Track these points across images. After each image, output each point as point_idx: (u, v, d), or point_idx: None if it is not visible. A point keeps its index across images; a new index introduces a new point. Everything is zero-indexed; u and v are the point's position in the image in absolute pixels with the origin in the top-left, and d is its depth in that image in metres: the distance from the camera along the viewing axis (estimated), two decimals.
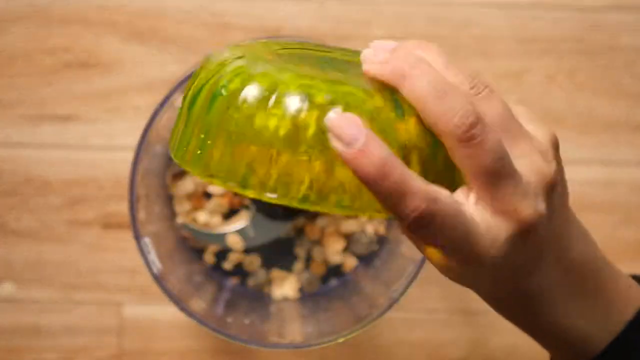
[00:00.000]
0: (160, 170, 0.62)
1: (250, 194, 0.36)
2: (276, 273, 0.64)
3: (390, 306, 0.55)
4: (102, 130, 0.67)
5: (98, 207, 0.67)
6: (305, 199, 0.35)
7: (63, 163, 0.67)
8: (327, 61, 0.41)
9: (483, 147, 0.33)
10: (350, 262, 0.63)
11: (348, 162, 0.33)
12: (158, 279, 0.55)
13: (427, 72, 0.34)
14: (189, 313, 0.54)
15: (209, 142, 0.38)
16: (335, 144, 0.33)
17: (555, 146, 0.37)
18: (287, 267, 0.64)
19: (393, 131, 0.34)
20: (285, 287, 0.64)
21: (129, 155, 0.67)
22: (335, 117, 0.33)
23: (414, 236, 0.35)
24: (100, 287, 0.67)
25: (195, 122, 0.38)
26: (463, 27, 0.68)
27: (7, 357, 0.67)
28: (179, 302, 0.54)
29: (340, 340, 0.55)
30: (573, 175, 0.68)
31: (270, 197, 0.36)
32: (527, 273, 0.38)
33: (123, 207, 0.67)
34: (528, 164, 0.35)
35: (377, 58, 0.36)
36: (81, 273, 0.67)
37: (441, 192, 0.34)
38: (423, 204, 0.33)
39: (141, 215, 0.56)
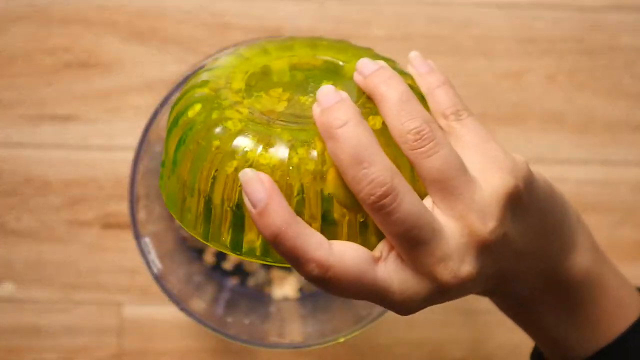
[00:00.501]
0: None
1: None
2: (276, 273, 0.64)
3: None
4: (102, 130, 0.67)
5: (98, 207, 0.67)
6: (250, 252, 0.37)
7: (63, 163, 0.67)
8: (307, 79, 0.41)
9: (393, 216, 0.34)
10: None
11: (253, 221, 0.34)
12: (158, 279, 0.55)
13: (350, 135, 0.34)
14: (189, 313, 0.54)
15: (164, 166, 0.39)
16: (245, 201, 0.34)
17: (506, 200, 0.36)
18: (287, 267, 0.64)
19: (318, 181, 0.35)
20: (285, 287, 0.64)
21: (129, 155, 0.67)
22: (246, 175, 0.34)
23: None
24: (100, 287, 0.67)
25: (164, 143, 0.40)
26: (463, 27, 0.68)
27: (7, 357, 0.67)
28: (179, 302, 0.54)
29: (340, 340, 0.55)
30: (573, 175, 0.68)
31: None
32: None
33: (123, 207, 0.67)
34: (459, 226, 0.35)
35: (325, 100, 0.35)
36: (81, 273, 0.67)
37: (341, 256, 0.34)
38: (315, 270, 0.34)
39: (141, 215, 0.56)
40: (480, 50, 0.68)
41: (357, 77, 0.38)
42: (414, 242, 0.34)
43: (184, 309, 0.54)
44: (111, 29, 0.67)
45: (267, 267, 0.64)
